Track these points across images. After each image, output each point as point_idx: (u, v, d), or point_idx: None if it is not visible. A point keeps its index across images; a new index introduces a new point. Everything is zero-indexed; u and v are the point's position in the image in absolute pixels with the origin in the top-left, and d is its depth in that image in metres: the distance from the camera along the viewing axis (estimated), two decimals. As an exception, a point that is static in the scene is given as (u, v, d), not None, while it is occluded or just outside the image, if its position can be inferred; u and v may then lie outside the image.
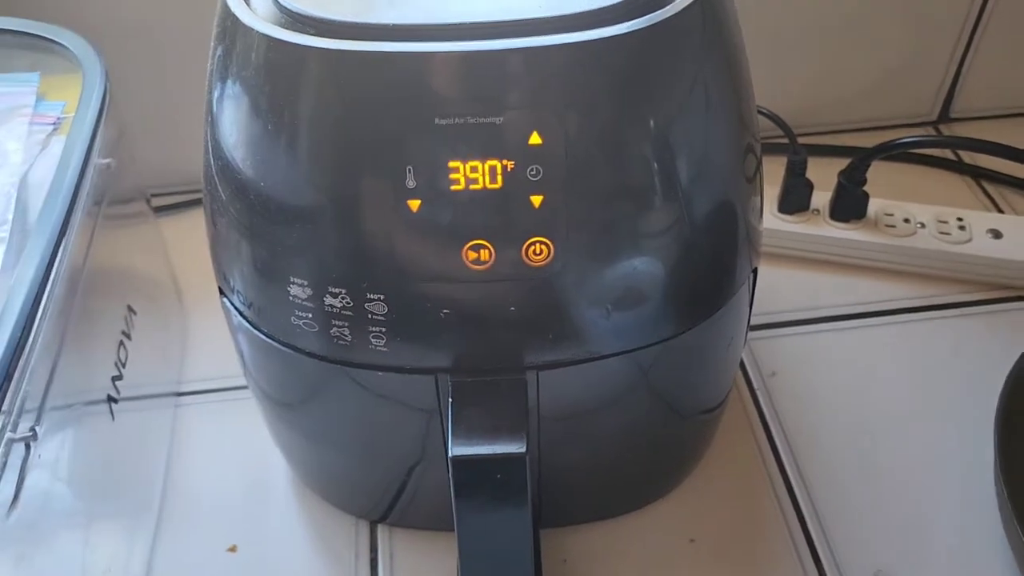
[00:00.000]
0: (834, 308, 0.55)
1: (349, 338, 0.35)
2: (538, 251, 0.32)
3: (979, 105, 0.67)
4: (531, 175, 0.31)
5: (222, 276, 0.38)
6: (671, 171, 0.32)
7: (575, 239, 0.32)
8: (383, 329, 0.34)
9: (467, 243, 0.32)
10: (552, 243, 0.32)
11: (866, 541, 0.44)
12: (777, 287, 0.56)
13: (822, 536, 0.45)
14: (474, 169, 0.30)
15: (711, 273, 0.36)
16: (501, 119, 0.30)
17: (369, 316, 0.34)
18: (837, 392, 0.51)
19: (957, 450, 0.47)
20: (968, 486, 0.46)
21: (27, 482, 0.32)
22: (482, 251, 0.32)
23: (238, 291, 0.37)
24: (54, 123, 0.41)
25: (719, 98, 0.33)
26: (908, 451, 0.48)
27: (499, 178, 0.31)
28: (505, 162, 0.30)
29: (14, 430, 0.31)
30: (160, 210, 0.59)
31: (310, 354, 0.36)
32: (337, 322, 0.34)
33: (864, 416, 0.50)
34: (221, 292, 0.39)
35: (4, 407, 0.31)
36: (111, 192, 0.43)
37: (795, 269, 0.58)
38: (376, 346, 0.35)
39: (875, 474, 0.47)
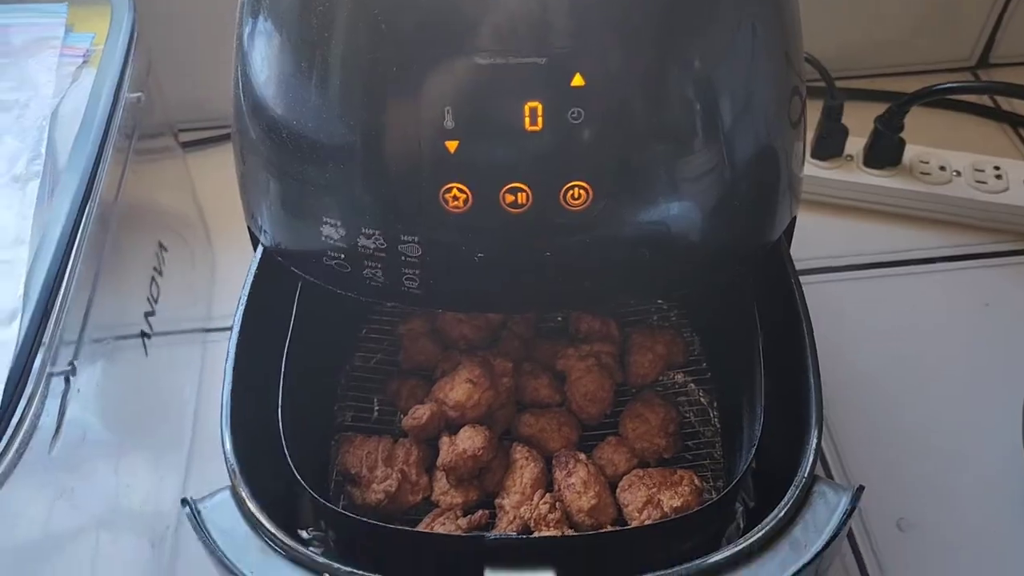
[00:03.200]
0: (865, 256, 0.55)
1: (382, 279, 0.35)
2: (576, 195, 0.31)
3: (1020, 51, 0.65)
4: (572, 118, 0.30)
5: (251, 216, 0.38)
6: (716, 115, 0.31)
7: (615, 184, 0.31)
8: (416, 271, 0.34)
9: (504, 186, 0.31)
10: (591, 187, 0.31)
11: (890, 490, 0.45)
12: (807, 234, 0.55)
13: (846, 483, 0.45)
14: (515, 110, 0.30)
15: (751, 220, 0.36)
16: (544, 59, 0.29)
17: (403, 258, 0.33)
18: (865, 341, 0.50)
19: (986, 400, 0.47)
20: (995, 436, 0.46)
21: (67, 415, 0.32)
22: (520, 194, 0.31)
23: (266, 231, 0.37)
24: (83, 55, 0.41)
25: (766, 38, 0.32)
26: (937, 400, 0.48)
27: (539, 120, 0.30)
28: (546, 103, 0.30)
29: (53, 364, 0.31)
30: (186, 146, 0.59)
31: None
32: (370, 263, 0.34)
33: (893, 364, 0.49)
34: (251, 231, 0.39)
35: (44, 341, 0.31)
36: (141, 127, 0.42)
37: (826, 215, 0.57)
38: (409, 288, 0.34)
39: (902, 423, 0.47)
